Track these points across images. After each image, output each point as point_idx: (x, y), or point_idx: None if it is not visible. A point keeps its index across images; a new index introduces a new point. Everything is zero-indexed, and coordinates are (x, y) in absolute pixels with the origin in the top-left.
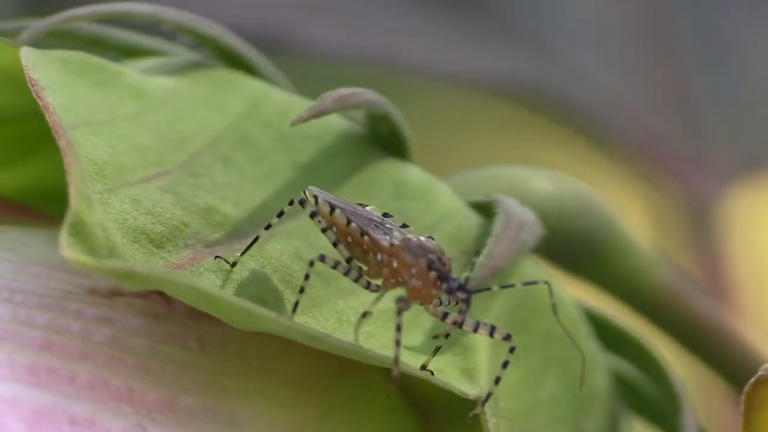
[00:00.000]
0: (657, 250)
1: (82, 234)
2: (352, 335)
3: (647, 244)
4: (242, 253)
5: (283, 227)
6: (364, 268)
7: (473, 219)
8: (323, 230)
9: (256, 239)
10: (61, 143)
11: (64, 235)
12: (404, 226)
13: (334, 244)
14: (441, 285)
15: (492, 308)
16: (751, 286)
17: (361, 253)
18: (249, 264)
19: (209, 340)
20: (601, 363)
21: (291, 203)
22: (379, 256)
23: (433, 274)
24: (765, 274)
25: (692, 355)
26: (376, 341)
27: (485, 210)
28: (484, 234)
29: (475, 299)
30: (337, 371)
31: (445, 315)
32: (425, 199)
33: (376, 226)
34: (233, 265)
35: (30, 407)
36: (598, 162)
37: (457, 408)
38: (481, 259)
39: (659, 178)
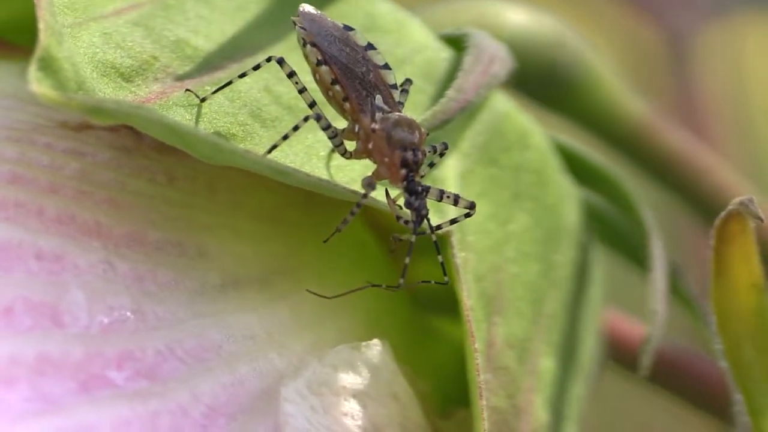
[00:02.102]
0: (631, 84)
1: (50, 69)
2: (321, 170)
3: (621, 78)
4: (214, 92)
5: (254, 60)
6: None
7: (444, 52)
8: (300, 92)
9: (229, 83)
10: None
11: (32, 70)
12: (386, 66)
13: (310, 106)
14: (405, 184)
15: (462, 142)
16: (726, 119)
17: (340, 111)
18: (218, 98)
19: (178, 173)
20: (572, 196)
21: (269, 60)
22: (356, 128)
23: (402, 171)
24: (739, 106)
25: (665, 189)
26: (344, 175)
27: (456, 43)
28: (454, 67)
29: (445, 133)
30: (306, 206)
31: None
32: (396, 33)
33: (361, 85)
34: (203, 100)
35: None
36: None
37: (425, 241)
38: (450, 93)
39: (638, 14)
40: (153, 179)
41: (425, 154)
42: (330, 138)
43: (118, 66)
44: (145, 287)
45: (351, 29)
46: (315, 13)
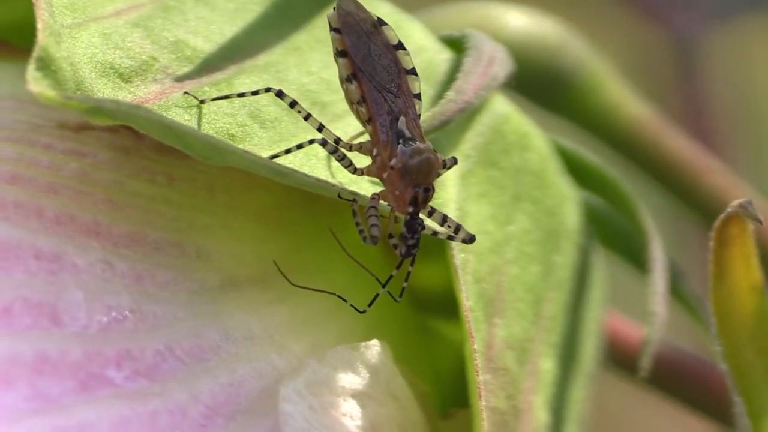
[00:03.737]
0: (636, 88)
1: (49, 68)
2: (320, 170)
3: (621, 80)
4: (213, 99)
5: (253, 62)
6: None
7: (444, 54)
8: (305, 118)
9: (226, 96)
10: None
11: (31, 69)
12: (413, 71)
13: (319, 129)
14: (408, 218)
15: (462, 144)
16: (732, 122)
17: (362, 125)
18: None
19: (177, 174)
20: (572, 198)
21: (268, 90)
22: (374, 151)
23: (410, 208)
24: (745, 110)
25: (665, 190)
26: (344, 176)
27: (456, 45)
28: (454, 69)
29: (445, 135)
30: (305, 206)
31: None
32: (397, 34)
33: (387, 111)
34: (202, 102)
35: None
36: (583, 4)
37: (425, 243)
38: (450, 94)
39: (644, 19)
40: (152, 180)
41: (435, 189)
42: (338, 160)
43: (117, 66)
44: (144, 287)
45: (384, 24)
46: (351, 6)
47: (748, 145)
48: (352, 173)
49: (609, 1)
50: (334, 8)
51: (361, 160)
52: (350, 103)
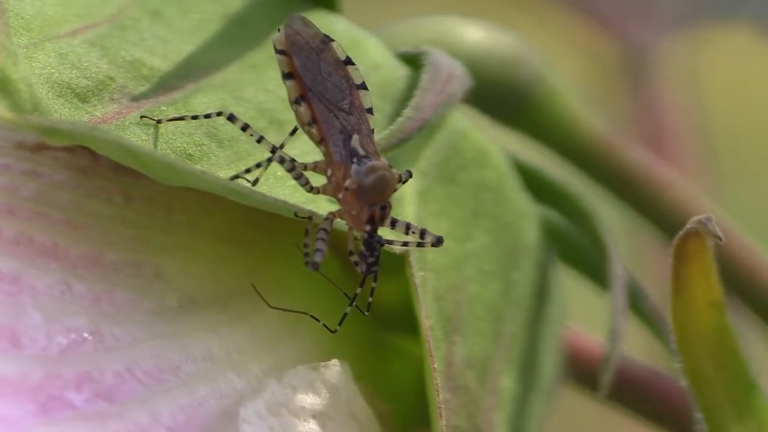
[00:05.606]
0: (590, 99)
1: (6, 90)
2: (278, 189)
3: (578, 94)
4: (169, 120)
5: (210, 80)
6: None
7: (401, 71)
8: (258, 141)
9: (181, 118)
10: None
11: None
12: (363, 86)
13: (272, 151)
14: (366, 236)
15: (420, 161)
16: (685, 131)
17: (315, 144)
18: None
19: (135, 194)
20: (531, 214)
21: (219, 114)
22: (329, 171)
23: (367, 227)
24: (698, 119)
25: (624, 205)
26: (301, 195)
27: (414, 62)
28: (411, 86)
29: (402, 152)
30: (265, 226)
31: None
32: (353, 51)
33: (340, 130)
34: (159, 122)
35: None
36: (537, 12)
37: (382, 258)
38: (407, 111)
39: (597, 28)
40: (110, 200)
41: (392, 206)
42: (295, 179)
43: (74, 86)
44: (102, 308)
45: (331, 40)
46: (300, 24)
47: (700, 153)
48: (309, 192)
49: (560, 8)
50: (278, 29)
51: (319, 179)
52: (301, 124)
